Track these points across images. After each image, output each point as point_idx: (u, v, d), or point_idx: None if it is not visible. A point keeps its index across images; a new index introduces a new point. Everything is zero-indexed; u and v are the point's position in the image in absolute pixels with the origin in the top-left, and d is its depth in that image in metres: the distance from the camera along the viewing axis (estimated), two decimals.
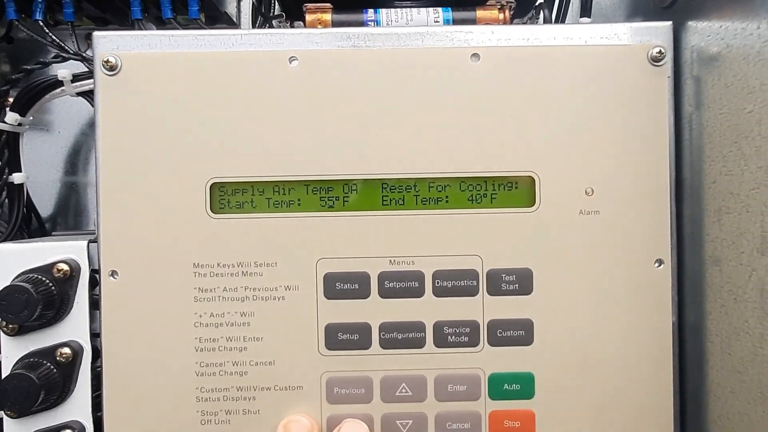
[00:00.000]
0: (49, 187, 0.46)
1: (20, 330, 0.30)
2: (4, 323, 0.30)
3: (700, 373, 0.30)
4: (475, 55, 0.31)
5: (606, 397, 0.31)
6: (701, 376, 0.30)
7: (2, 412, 0.30)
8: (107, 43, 0.31)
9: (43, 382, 0.29)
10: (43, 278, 0.30)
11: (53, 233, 0.43)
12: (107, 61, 0.30)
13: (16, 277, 0.30)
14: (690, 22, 0.30)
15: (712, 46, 0.28)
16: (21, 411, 0.29)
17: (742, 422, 0.27)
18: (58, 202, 0.46)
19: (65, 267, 0.30)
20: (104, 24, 0.44)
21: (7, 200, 0.39)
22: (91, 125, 0.47)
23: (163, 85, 0.30)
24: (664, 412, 0.30)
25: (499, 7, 0.36)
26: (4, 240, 0.38)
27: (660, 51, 0.30)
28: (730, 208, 0.27)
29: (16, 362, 0.30)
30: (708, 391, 0.29)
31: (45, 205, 0.45)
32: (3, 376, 0.30)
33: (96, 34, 0.31)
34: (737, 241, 0.27)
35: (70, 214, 0.46)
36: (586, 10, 0.41)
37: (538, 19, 0.41)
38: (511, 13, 0.38)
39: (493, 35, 0.31)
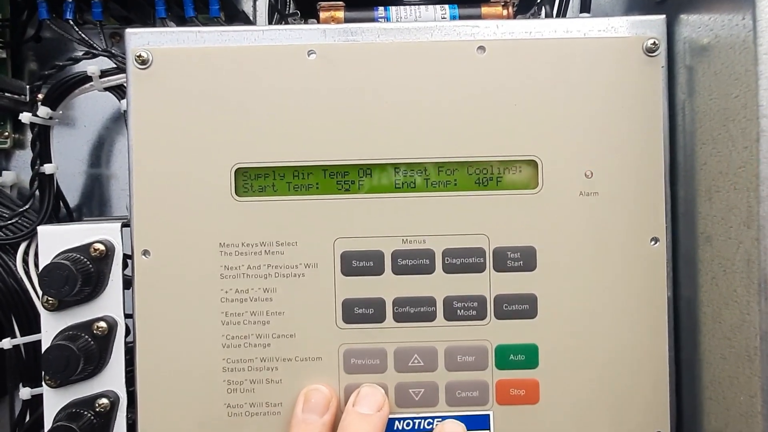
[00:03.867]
0: (75, 179, 0.48)
1: (59, 306, 0.33)
2: (45, 298, 0.32)
3: (693, 342, 0.32)
4: (481, 48, 0.33)
5: (605, 366, 0.33)
6: (694, 345, 0.32)
7: (43, 384, 0.33)
8: (139, 39, 0.33)
9: (82, 353, 0.31)
10: (82, 257, 0.32)
11: (84, 219, 0.46)
12: (139, 56, 0.32)
13: (56, 256, 0.32)
14: (682, 15, 0.32)
15: (703, 37, 0.30)
16: (62, 379, 0.31)
17: (732, 385, 0.29)
18: (84, 193, 0.49)
19: (101, 246, 0.32)
20: (127, 23, 0.46)
21: (38, 190, 0.42)
22: (114, 120, 0.49)
23: (192, 78, 0.32)
24: (661, 379, 0.32)
25: (502, 3, 0.38)
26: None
27: (654, 42, 0.32)
28: (719, 186, 0.29)
29: (56, 335, 0.32)
30: (701, 358, 0.31)
31: (71, 196, 0.48)
32: (43, 350, 0.32)
33: (128, 30, 0.33)
34: (726, 217, 0.29)
35: (94, 204, 0.49)
36: (585, 7, 0.43)
37: (539, 15, 0.43)
38: (514, 9, 0.40)
39: (498, 29, 0.33)
